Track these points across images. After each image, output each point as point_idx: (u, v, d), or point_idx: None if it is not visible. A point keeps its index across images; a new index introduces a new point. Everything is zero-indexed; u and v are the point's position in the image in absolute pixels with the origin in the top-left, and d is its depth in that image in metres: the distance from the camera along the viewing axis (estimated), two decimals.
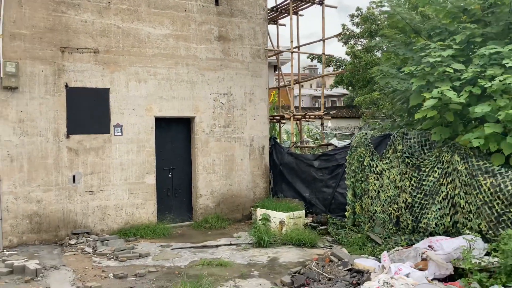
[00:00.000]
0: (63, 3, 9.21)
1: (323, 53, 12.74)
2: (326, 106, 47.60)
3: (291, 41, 12.01)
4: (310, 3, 12.29)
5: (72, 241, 8.76)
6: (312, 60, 24.43)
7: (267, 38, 11.77)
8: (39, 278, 6.64)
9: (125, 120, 9.81)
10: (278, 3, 12.82)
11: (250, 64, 11.32)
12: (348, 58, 22.36)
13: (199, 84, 10.64)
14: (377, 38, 15.89)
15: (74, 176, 9.28)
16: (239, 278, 6.67)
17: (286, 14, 13.09)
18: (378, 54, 17.71)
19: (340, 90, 37.37)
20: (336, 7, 12.28)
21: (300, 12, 13.19)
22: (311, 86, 51.91)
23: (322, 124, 13.15)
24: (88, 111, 9.46)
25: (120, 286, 6.35)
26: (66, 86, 9.23)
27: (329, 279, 5.86)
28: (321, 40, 12.34)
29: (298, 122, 13.03)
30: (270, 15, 13.15)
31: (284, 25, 13.90)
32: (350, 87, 20.94)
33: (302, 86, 52.04)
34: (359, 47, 18.56)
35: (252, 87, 11.36)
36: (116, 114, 9.73)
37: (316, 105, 54.14)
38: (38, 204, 8.95)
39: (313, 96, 47.76)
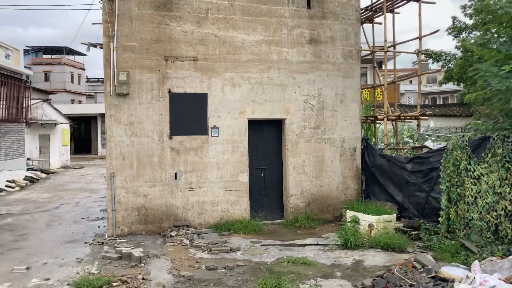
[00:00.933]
0: (166, 16, 10.14)
1: (419, 51, 12.25)
2: (437, 103, 45.11)
3: (385, 40, 11.74)
4: (406, 1, 11.89)
5: (173, 233, 9.63)
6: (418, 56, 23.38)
7: (360, 38, 11.65)
8: (142, 264, 7.49)
9: (221, 122, 10.48)
10: (372, 2, 12.59)
11: (341, 65, 11.33)
12: (458, 53, 20.98)
13: (290, 86, 10.94)
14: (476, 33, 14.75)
15: (176, 174, 10.18)
16: (320, 277, 6.84)
17: (381, 13, 12.80)
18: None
19: (452, 86, 35.10)
20: (434, 3, 11.70)
21: (396, 10, 12.80)
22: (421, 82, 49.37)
23: (418, 125, 12.63)
24: (188, 114, 10.30)
25: (210, 276, 6.91)
26: (169, 91, 10.15)
27: (411, 285, 5.77)
28: (417, 38, 11.87)
29: (393, 122, 12.68)
30: (365, 14, 12.96)
31: (380, 23, 13.59)
32: (461, 83, 19.68)
33: (411, 82, 49.87)
34: (472, 41, 17.38)
35: (343, 88, 11.36)
36: (213, 117, 10.44)
37: (426, 102, 51.38)
38: (145, 198, 9.99)
39: (422, 92, 45.52)
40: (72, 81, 52.14)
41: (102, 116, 37.06)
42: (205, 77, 10.38)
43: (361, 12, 12.26)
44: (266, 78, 10.77)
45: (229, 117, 10.54)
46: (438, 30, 11.33)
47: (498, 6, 7.98)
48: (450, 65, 22.32)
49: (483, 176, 7.92)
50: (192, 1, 10.27)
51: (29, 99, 23.87)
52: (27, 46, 49.64)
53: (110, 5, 9.78)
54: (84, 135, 45.09)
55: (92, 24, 11.48)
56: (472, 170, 8.17)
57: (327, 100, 11.24)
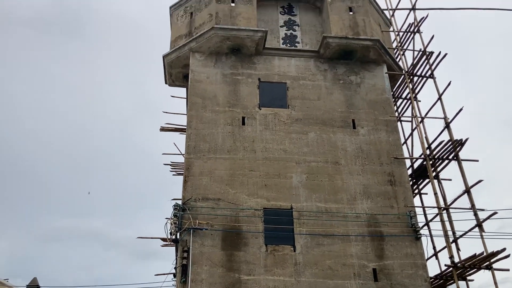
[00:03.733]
0: None
1: None
2: None
3: None
4: (476, 270, 11.62)
5: None
6: None
7: None
8: None
9: None
10: (442, 270, 12.40)
11: None
12: None
13: None
14: None
15: None
16: None
17: (453, 281, 12.40)
18: None
19: None
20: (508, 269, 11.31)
21: (469, 278, 12.39)
22: None
23: None
24: None
25: None
26: None
27: None
28: None
29: None
30: (436, 282, 12.60)
31: None
32: None
33: None
34: None
35: None
36: None
37: None
38: None
39: None
40: None
41: None
42: None
43: (431, 281, 11.98)
44: None
45: None
46: None
47: None
48: None
49: None
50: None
51: None
52: None
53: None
54: None
55: None
56: None
57: None
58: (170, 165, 15.90)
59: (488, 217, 11.38)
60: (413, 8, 15.38)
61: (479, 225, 11.52)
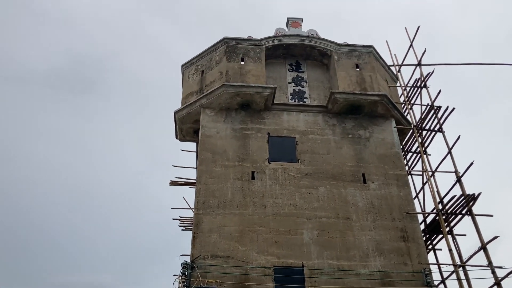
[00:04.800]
0: None
1: None
2: None
3: None
4: None
5: None
6: None
7: None
8: None
9: None
10: None
11: None
12: None
13: None
14: None
15: None
16: None
17: None
18: None
19: None
20: None
21: None
22: None
23: None
24: None
25: None
26: None
27: None
28: None
29: None
30: None
31: None
32: None
33: None
34: None
35: None
36: None
37: None
38: None
39: None
40: None
41: None
42: None
43: None
44: None
45: None
46: None
47: None
48: None
49: None
50: None
51: None
52: None
53: None
54: None
55: None
56: None
57: None
58: (179, 219, 15.80)
59: (507, 275, 10.99)
60: (419, 64, 15.69)
61: (498, 283, 11.12)
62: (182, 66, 15.98)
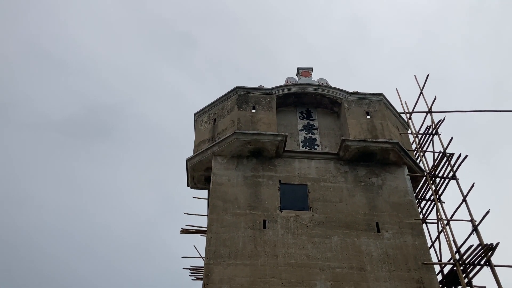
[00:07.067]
0: None
1: None
2: None
3: None
4: None
5: None
6: None
7: None
8: None
9: None
10: None
11: None
12: None
13: None
14: None
15: None
16: None
17: None
18: None
19: None
20: None
21: None
22: None
23: None
24: None
25: None
26: None
27: None
28: None
29: None
30: None
31: None
32: None
33: None
34: None
35: None
36: None
37: None
38: None
39: None
40: None
41: None
42: None
43: None
44: None
45: None
46: None
47: None
48: None
49: None
50: None
51: None
52: None
53: None
54: None
55: None
56: None
57: None
58: (190, 269, 15.53)
59: None
60: (430, 111, 15.75)
61: None
62: (195, 114, 16.25)
